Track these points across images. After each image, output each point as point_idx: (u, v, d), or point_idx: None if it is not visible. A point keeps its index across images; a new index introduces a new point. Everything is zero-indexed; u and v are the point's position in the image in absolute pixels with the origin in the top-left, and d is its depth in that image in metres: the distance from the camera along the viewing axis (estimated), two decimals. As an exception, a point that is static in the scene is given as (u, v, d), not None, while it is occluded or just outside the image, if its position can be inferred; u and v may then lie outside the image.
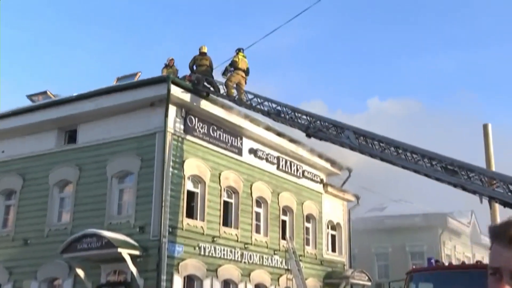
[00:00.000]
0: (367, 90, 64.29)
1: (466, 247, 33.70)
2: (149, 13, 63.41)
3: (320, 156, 20.21)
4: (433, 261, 9.68)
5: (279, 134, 17.99)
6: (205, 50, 15.71)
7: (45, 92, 18.89)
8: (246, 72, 15.52)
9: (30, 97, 18.96)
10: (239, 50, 15.55)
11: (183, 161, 14.68)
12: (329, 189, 21.36)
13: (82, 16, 59.59)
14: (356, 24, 63.62)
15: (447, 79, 64.17)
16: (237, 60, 15.56)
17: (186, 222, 14.49)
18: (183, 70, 16.18)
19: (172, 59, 16.44)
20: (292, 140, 18.43)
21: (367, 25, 63.89)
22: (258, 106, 14.10)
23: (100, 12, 60.21)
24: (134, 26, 63.30)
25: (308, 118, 12.78)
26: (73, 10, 58.76)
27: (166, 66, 16.34)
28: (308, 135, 12.70)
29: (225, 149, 16.27)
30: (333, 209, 21.59)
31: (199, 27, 62.03)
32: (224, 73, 15.64)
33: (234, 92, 14.98)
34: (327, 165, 21.02)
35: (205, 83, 15.21)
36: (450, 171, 10.21)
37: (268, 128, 17.50)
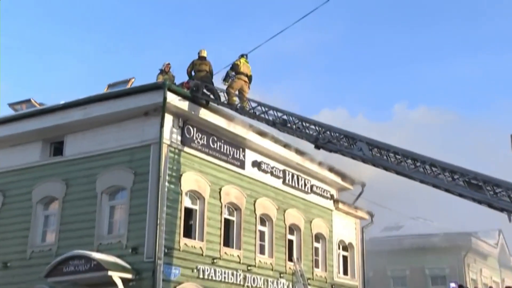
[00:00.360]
0: (388, 97, 64.34)
1: (493, 270, 33.55)
2: (143, 14, 63.92)
3: (330, 169, 20.28)
4: (456, 286, 9.68)
5: (285, 145, 18.09)
6: (204, 54, 15.83)
7: (28, 100, 19.06)
8: (249, 78, 15.67)
9: (12, 105, 19.12)
10: (242, 56, 15.72)
11: (180, 175, 14.78)
12: (340, 205, 21.40)
13: (68, 18, 60.15)
14: (372, 26, 63.99)
15: (475, 85, 64.21)
16: (238, 63, 15.68)
17: (184, 242, 14.55)
18: (181, 76, 16.35)
19: (169, 64, 16.61)
20: (299, 152, 18.52)
21: (384, 28, 64.25)
22: (262, 115, 14.18)
23: (89, 13, 60.74)
24: (126, 29, 63.79)
25: (317, 128, 12.86)
26: (59, 12, 59.32)
27: (162, 71, 16.50)
28: (317, 147, 12.79)
29: (226, 162, 16.37)
30: (345, 228, 21.61)
31: (198, 29, 62.48)
32: (225, 79, 15.77)
33: (236, 100, 15.11)
34: (338, 180, 21.07)
35: (205, 90, 15.32)
36: (474, 186, 10.21)
37: (273, 139, 17.61)
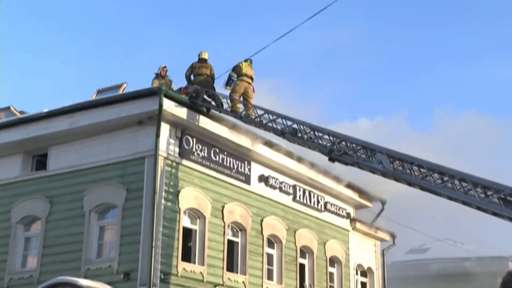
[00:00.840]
0: (415, 104, 64.01)
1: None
2: (135, 11, 64.14)
3: (347, 185, 20.38)
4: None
5: (296, 158, 18.24)
6: (205, 56, 16.02)
7: (8, 108, 19.31)
8: (253, 81, 15.91)
9: (-11, 114, 19.34)
10: (245, 60, 15.96)
11: (178, 192, 14.93)
12: (358, 225, 21.47)
13: (51, 16, 60.40)
14: (391, 25, 63.99)
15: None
16: (241, 65, 15.90)
17: (182, 266, 14.67)
18: (178, 81, 16.56)
19: (165, 68, 16.82)
20: (311, 165, 18.65)
21: (405, 27, 64.25)
22: (270, 124, 14.30)
23: (74, 11, 60.96)
24: (117, 28, 63.98)
25: (331, 138, 12.96)
26: (39, 9, 59.58)
27: (158, 76, 16.70)
28: (332, 159, 12.87)
29: (229, 176, 16.53)
30: (363, 250, 21.67)
31: (197, 28, 62.58)
32: (227, 84, 15.94)
33: (241, 107, 15.29)
34: (355, 196, 21.17)
35: (205, 97, 15.49)
36: (511, 204, 10.29)
37: (282, 151, 17.76)
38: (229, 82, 15.97)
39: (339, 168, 16.23)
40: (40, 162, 16.80)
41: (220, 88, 16.10)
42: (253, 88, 15.88)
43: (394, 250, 23.80)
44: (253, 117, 14.86)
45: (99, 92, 17.44)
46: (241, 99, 15.46)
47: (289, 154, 18.06)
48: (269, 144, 17.30)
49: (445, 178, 11.13)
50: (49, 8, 59.63)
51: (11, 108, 19.18)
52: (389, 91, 63.82)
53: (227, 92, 15.84)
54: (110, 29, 63.79)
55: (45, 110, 16.21)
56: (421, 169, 11.50)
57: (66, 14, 60.64)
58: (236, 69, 15.91)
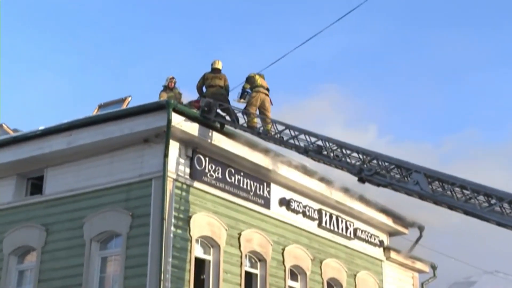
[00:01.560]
0: (452, 116, 63.59)
1: None
2: (139, 17, 64.50)
3: (379, 208, 20.28)
4: None
5: (321, 178, 18.19)
6: (219, 66, 16.15)
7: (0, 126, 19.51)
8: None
9: (-21, 133, 19.53)
10: (256, 74, 16.12)
11: (189, 218, 14.93)
12: (393, 254, 21.31)
13: (45, 24, 60.86)
14: (424, 27, 63.85)
15: None
16: (254, 76, 16.07)
17: (194, 302, 14.63)
18: (189, 94, 16.64)
19: (173, 79, 16.91)
20: (339, 187, 18.57)
21: (439, 29, 64.11)
22: (292, 141, 14.32)
23: (71, 17, 61.46)
24: (119, 35, 64.30)
25: (361, 156, 12.93)
26: (32, 17, 60.11)
27: (166, 88, 16.79)
28: (362, 180, 12.82)
29: (246, 200, 16.52)
30: (399, 283, 21.50)
31: (209, 35, 62.68)
32: (241, 97, 16.03)
33: (258, 121, 15.31)
34: (389, 222, 21.03)
35: (219, 111, 15.57)
36: None
37: (305, 171, 17.74)
38: (243, 94, 16.04)
39: (370, 190, 16.13)
40: (35, 185, 16.90)
41: (233, 100, 16.21)
42: (270, 100, 15.94)
43: (435, 283, 23.57)
44: (273, 133, 14.90)
45: (100, 107, 17.59)
46: (257, 112, 15.50)
47: (314, 175, 18.01)
48: (290, 163, 17.27)
49: (493, 201, 10.97)
50: (40, 13, 60.16)
51: (3, 125, 19.40)
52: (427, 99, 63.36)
53: (241, 105, 15.90)
54: (111, 36, 64.09)
55: (41, 127, 16.34)
56: (464, 191, 11.36)
57: (60, 21, 61.14)
58: (250, 80, 16.02)
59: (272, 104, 16.07)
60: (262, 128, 15.16)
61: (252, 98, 15.77)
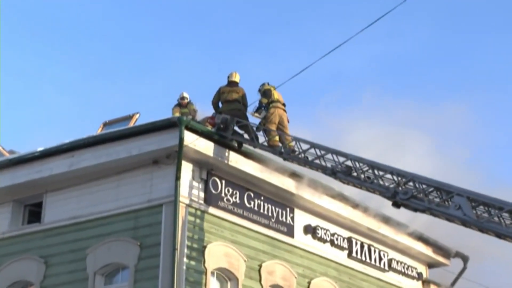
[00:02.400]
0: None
1: None
2: (147, 25, 64.36)
3: (417, 236, 20.27)
4: None
5: (351, 203, 18.25)
6: (236, 78, 16.36)
7: (-6, 147, 19.79)
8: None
9: (-29, 154, 19.79)
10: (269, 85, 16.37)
11: (204, 247, 15.01)
12: (433, 288, 21.31)
13: (42, 35, 61.04)
14: (469, 32, 63.42)
15: None
16: (270, 89, 16.28)
17: None
18: (204, 110, 16.82)
19: (185, 99, 17.05)
20: (371, 213, 18.61)
21: (487, 34, 63.62)
22: (317, 161, 14.37)
23: (75, 28, 61.57)
24: (126, 46, 64.05)
25: (396, 177, 12.91)
26: (34, 27, 60.34)
27: (179, 105, 16.95)
28: (396, 204, 12.80)
29: (267, 227, 16.60)
30: (441, 321, 21.43)
31: (227, 45, 62.39)
32: (257, 110, 16.22)
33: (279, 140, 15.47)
34: (428, 252, 20.98)
35: (236, 128, 15.75)
36: None
37: (333, 195, 17.82)
38: (260, 109, 16.23)
39: (406, 216, 16.20)
40: (34, 213, 17.07)
41: (248, 113, 16.36)
42: (287, 117, 16.15)
43: (481, 320, 23.39)
44: (296, 152, 14.99)
45: (105, 125, 17.73)
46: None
47: (342, 199, 18.08)
48: (316, 186, 17.33)
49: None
50: (39, 22, 60.54)
51: (-2, 147, 19.64)
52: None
53: (256, 120, 16.14)
54: (117, 47, 63.85)
55: (40, 148, 16.50)
56: (514, 216, 11.40)
57: (60, 30, 61.34)
58: (267, 94, 16.21)
59: (289, 121, 16.27)
60: (284, 148, 15.23)
61: (270, 115, 15.91)
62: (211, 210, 15.40)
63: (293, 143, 15.30)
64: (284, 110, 16.17)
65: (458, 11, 59.06)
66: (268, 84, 16.61)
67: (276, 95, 16.20)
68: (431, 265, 21.64)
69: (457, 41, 60.89)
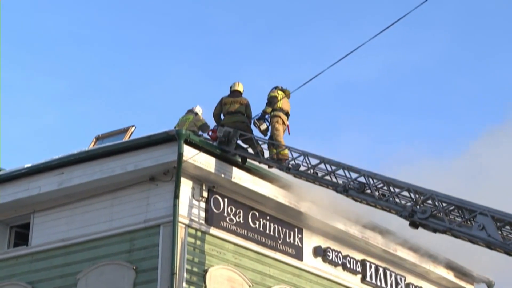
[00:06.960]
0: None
1: None
2: (144, 34, 64.48)
3: (437, 260, 20.19)
4: None
5: (364, 223, 18.19)
6: (239, 88, 16.41)
7: (-23, 164, 19.73)
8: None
9: (-47, 172, 19.82)
10: (281, 89, 16.45)
11: (205, 271, 14.95)
12: (455, 316, 21.19)
13: (35, 47, 61.21)
14: (487, 41, 63.48)
15: None
16: (276, 95, 16.35)
17: None
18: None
19: (198, 111, 17.15)
20: (386, 233, 18.59)
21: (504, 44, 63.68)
22: (328, 177, 14.36)
23: (63, 38, 61.95)
24: (120, 55, 64.34)
25: (413, 195, 12.84)
26: (24, 41, 60.59)
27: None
28: (414, 224, 12.72)
29: (274, 249, 16.55)
30: None
31: (229, 54, 62.47)
32: (260, 118, 16.22)
33: (288, 153, 15.38)
34: (450, 276, 20.91)
35: (239, 142, 15.77)
36: None
37: (345, 214, 17.63)
38: (261, 117, 16.25)
39: (425, 237, 16.11)
40: (20, 235, 17.07)
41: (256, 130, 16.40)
42: (288, 128, 16.26)
43: None
44: (305, 168, 14.99)
45: (98, 139, 17.76)
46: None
47: (355, 218, 18.01)
48: (326, 204, 17.14)
49: None
50: (26, 35, 60.83)
51: (-17, 163, 19.62)
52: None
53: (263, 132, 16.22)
54: (110, 56, 64.41)
55: (27, 165, 16.51)
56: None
57: (48, 43, 61.55)
58: (271, 101, 16.20)
59: (289, 133, 16.34)
60: (292, 163, 15.15)
61: (276, 124, 16.07)
62: (213, 231, 15.37)
63: (286, 150, 15.33)
64: (284, 122, 16.26)
65: (480, 15, 59.12)
66: (282, 88, 16.56)
67: (280, 103, 16.16)
68: (452, 290, 21.54)
69: (479, 49, 60.91)
